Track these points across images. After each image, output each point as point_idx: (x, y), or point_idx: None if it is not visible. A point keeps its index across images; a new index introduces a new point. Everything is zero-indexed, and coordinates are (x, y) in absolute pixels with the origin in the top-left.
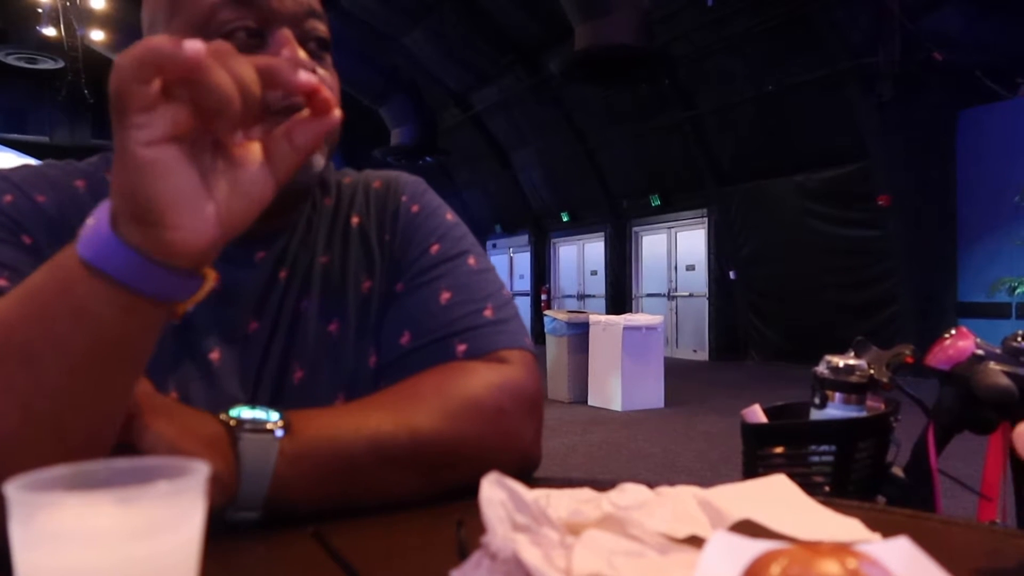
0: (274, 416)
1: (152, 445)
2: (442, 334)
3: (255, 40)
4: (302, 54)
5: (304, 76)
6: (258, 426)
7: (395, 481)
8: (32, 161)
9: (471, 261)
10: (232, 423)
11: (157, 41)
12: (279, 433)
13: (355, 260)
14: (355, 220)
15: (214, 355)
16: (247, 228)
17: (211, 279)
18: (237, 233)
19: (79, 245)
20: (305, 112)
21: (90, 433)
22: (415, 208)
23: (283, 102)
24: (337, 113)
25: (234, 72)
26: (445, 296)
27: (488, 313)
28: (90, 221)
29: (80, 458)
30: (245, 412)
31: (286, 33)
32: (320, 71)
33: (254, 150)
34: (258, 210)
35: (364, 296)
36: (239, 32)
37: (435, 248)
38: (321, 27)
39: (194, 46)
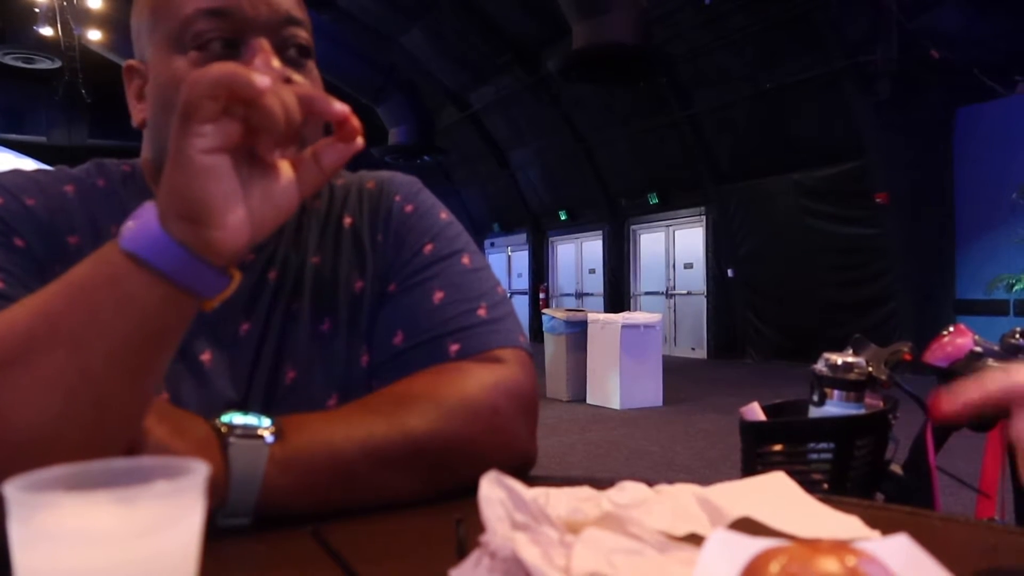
0: (265, 422)
1: (142, 445)
2: (435, 334)
3: (231, 50)
4: (276, 63)
5: (338, 105)
6: (248, 432)
7: (389, 484)
8: (30, 161)
9: (465, 260)
10: (222, 428)
11: (233, 67)
12: (269, 439)
13: (347, 260)
14: (348, 220)
15: (205, 356)
16: (270, 234)
17: (236, 279)
18: (262, 238)
19: (124, 242)
20: (332, 138)
21: (122, 423)
22: (409, 208)
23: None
24: (360, 141)
25: (281, 99)
26: (438, 296)
27: (481, 312)
28: (132, 222)
29: (111, 449)
30: (236, 418)
31: (260, 42)
32: (298, 78)
33: (285, 166)
34: (283, 219)
35: (356, 296)
36: (215, 42)
37: (428, 248)
38: (302, 34)
39: (264, 80)
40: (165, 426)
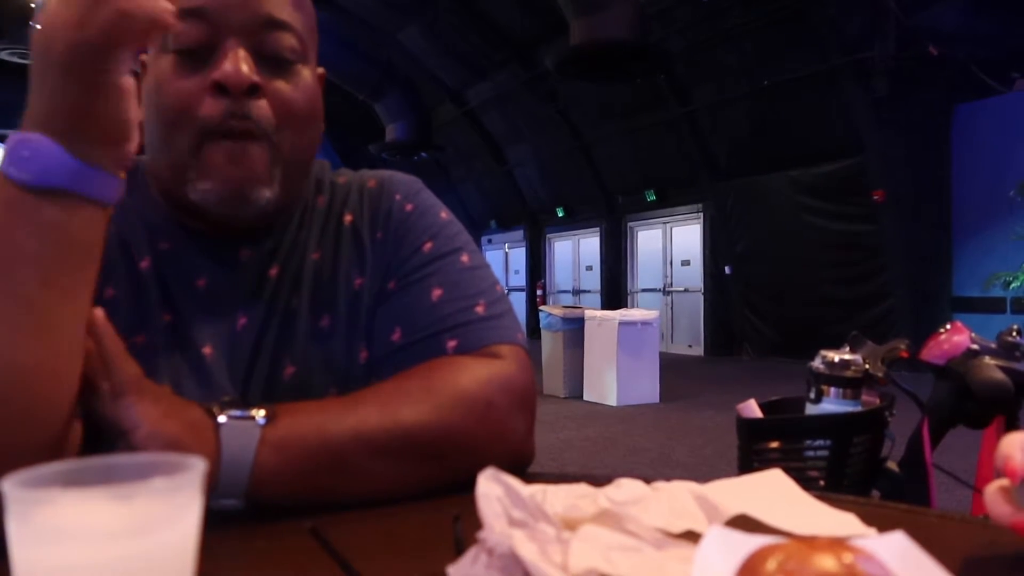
0: (259, 408)
1: (137, 423)
2: (433, 331)
3: (208, 52)
4: (245, 68)
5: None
6: (241, 413)
7: (381, 473)
8: None
9: (464, 258)
10: (215, 410)
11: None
12: (261, 420)
13: (346, 258)
14: (347, 218)
15: (206, 351)
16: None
17: (123, 176)
18: None
19: (32, 178)
20: None
21: (70, 345)
22: (409, 207)
23: (223, 126)
24: None
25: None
26: (436, 293)
27: (480, 309)
28: (25, 153)
29: (71, 375)
30: (231, 402)
31: (233, 50)
32: (279, 85)
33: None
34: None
35: (355, 293)
36: (193, 44)
37: (428, 246)
38: (285, 38)
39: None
40: (159, 408)
